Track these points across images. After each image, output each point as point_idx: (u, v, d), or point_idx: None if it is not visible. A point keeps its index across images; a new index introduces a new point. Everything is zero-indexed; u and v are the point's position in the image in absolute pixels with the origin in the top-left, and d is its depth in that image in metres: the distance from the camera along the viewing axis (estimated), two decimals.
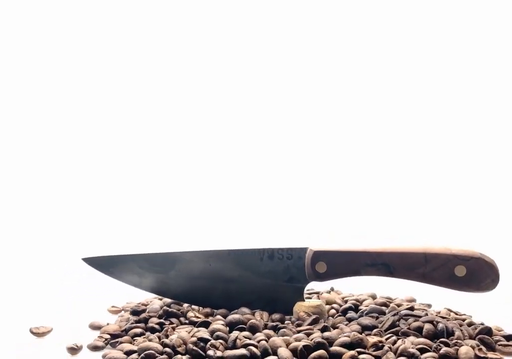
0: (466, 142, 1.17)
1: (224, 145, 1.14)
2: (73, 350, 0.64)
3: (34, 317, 0.76)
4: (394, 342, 0.61)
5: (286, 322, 0.69)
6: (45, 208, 1.09)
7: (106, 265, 0.76)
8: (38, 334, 0.70)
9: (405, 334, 0.63)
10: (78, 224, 1.09)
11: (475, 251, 0.68)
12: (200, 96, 1.13)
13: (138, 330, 0.67)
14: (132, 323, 0.70)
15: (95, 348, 0.65)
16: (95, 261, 0.76)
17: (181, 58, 1.11)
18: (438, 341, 0.61)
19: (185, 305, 0.75)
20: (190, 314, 0.70)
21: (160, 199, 1.13)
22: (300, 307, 0.70)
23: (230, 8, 1.11)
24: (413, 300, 0.85)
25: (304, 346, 0.58)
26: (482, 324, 0.70)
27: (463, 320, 0.70)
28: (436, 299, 0.78)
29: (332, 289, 0.86)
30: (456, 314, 0.76)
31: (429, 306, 0.81)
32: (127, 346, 0.62)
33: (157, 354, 0.59)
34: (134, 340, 0.65)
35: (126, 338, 0.65)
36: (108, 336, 0.66)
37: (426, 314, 0.70)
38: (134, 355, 0.60)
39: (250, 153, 1.14)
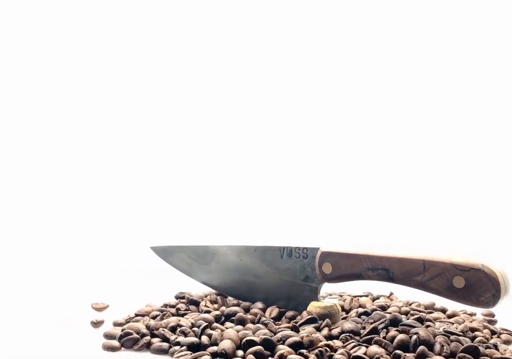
0: (474, 143, 1.02)
1: (237, 154, 1.13)
2: (94, 324, 0.74)
3: (116, 296, 0.87)
4: (352, 348, 0.59)
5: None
6: (125, 200, 1.17)
7: (166, 254, 0.84)
8: (97, 309, 0.81)
9: (376, 343, 0.61)
10: (145, 216, 1.16)
11: (476, 261, 0.61)
12: (204, 96, 1.11)
13: (155, 313, 0.74)
14: (161, 306, 0.77)
15: (115, 324, 0.74)
16: (158, 250, 0.85)
17: (181, 58, 1.10)
18: (394, 352, 0.58)
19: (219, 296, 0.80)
20: (202, 303, 0.75)
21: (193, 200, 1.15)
22: (310, 307, 0.71)
23: (230, 8, 1.08)
24: (492, 315, 0.78)
25: (247, 340, 0.60)
26: (494, 344, 0.63)
27: (473, 337, 0.64)
28: None
29: (391, 294, 0.83)
30: (498, 333, 0.68)
31: (492, 322, 0.74)
32: (127, 324, 0.70)
33: (134, 333, 0.66)
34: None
35: (137, 318, 0.73)
36: (133, 315, 0.75)
37: (428, 326, 0.65)
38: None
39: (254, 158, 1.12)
